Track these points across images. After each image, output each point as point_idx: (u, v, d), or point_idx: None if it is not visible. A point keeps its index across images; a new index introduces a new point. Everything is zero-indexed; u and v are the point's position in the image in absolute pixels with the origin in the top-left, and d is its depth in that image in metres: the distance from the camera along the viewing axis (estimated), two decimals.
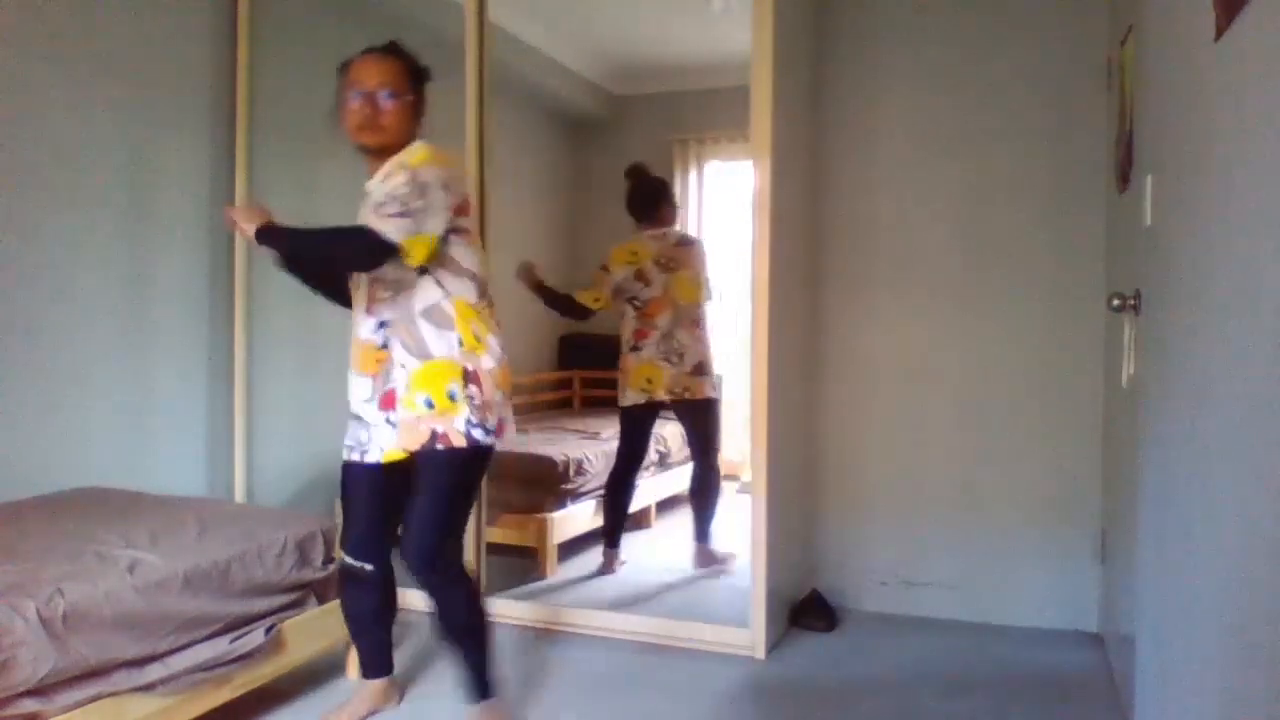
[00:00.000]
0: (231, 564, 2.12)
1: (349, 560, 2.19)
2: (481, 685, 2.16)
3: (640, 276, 3.61)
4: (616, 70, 5.48)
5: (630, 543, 4.01)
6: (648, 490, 4.25)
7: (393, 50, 2.09)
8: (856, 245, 3.21)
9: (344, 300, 2.23)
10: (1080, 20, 2.93)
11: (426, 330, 2.04)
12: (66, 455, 2.81)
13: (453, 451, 2.01)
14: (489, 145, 3.04)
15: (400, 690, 2.41)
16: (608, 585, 3.50)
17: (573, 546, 3.78)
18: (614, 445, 4.05)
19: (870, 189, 3.20)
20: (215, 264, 3.30)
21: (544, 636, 2.90)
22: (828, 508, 3.24)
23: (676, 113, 5.50)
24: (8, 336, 2.66)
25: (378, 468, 2.12)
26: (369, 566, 2.18)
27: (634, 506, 4.20)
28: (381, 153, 2.09)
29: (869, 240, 3.19)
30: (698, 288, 3.63)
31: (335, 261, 2.15)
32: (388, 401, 2.07)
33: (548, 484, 3.64)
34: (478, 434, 2.02)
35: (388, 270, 2.03)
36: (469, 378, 2.02)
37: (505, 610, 3.03)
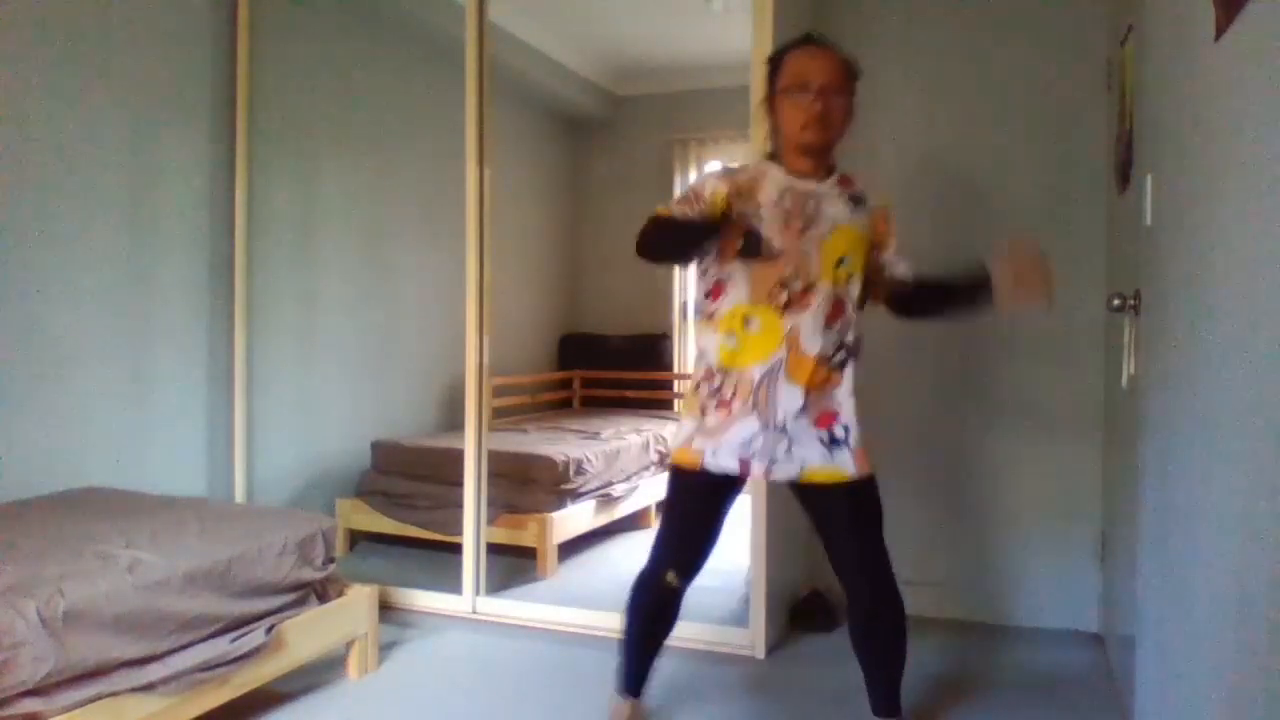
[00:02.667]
0: (231, 564, 2.12)
1: (674, 578, 2.04)
2: (896, 697, 2.10)
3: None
4: (616, 70, 5.48)
5: (631, 543, 4.02)
6: (649, 490, 4.25)
7: (832, 45, 1.98)
8: None
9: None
10: (1080, 20, 2.93)
11: (857, 364, 2.03)
12: (66, 455, 2.81)
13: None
14: (489, 145, 3.04)
15: (646, 717, 2.31)
16: (607, 585, 3.50)
17: (573, 546, 3.78)
18: (614, 445, 4.05)
19: (869, 188, 3.18)
20: (215, 263, 3.30)
21: (544, 636, 2.90)
22: None
23: (676, 113, 5.50)
24: (8, 336, 2.66)
25: (725, 483, 1.99)
26: (685, 586, 2.06)
27: (634, 506, 4.21)
28: (821, 153, 1.96)
29: None
30: None
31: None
32: (828, 420, 1.95)
33: (548, 484, 3.64)
34: None
35: (858, 298, 1.99)
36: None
37: (505, 610, 3.03)
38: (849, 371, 1.99)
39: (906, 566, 3.13)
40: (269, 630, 2.19)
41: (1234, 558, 1.20)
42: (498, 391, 4.52)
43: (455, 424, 3.38)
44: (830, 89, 1.90)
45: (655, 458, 4.31)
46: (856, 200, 1.99)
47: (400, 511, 3.71)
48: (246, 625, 2.15)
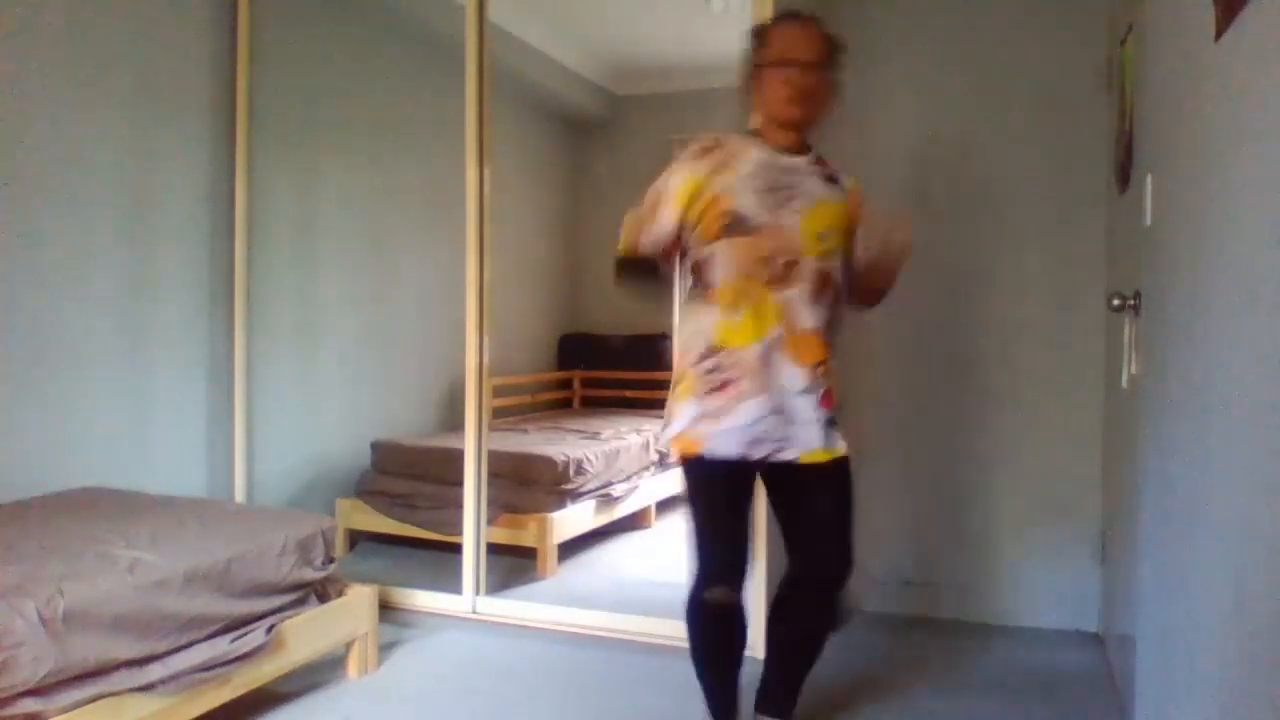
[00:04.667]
0: (231, 564, 2.12)
1: (719, 594, 1.86)
2: (795, 696, 2.06)
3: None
4: (616, 70, 5.48)
5: (631, 543, 4.02)
6: (648, 490, 4.25)
7: (816, 22, 1.93)
8: None
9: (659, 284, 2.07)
10: (1080, 20, 2.93)
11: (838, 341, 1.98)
12: (66, 455, 2.81)
13: None
14: (489, 145, 3.04)
15: None
16: (607, 585, 3.51)
17: (573, 546, 3.78)
18: (614, 445, 4.05)
19: (869, 188, 3.18)
20: (215, 264, 3.30)
21: (544, 636, 2.90)
22: None
23: (676, 113, 5.50)
24: (8, 336, 2.66)
25: (743, 469, 1.88)
26: (737, 594, 1.90)
27: (634, 506, 4.21)
28: (803, 128, 1.93)
29: None
30: None
31: None
32: (827, 400, 1.88)
33: (548, 484, 3.64)
34: None
35: (841, 276, 1.93)
36: None
37: (505, 610, 3.03)
38: (835, 350, 1.95)
39: (907, 566, 3.16)
40: (269, 630, 2.19)
41: (1234, 558, 1.20)
42: (498, 391, 4.52)
43: (455, 424, 3.37)
44: (817, 64, 1.87)
45: (655, 458, 4.32)
46: (832, 179, 1.96)
47: (400, 511, 3.71)
48: (246, 625, 2.15)
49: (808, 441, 1.86)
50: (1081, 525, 2.94)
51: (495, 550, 3.26)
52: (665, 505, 4.44)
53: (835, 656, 2.75)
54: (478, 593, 3.05)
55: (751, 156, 1.89)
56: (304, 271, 3.75)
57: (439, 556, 3.42)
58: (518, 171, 5.07)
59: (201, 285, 3.27)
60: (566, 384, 5.68)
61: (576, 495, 3.75)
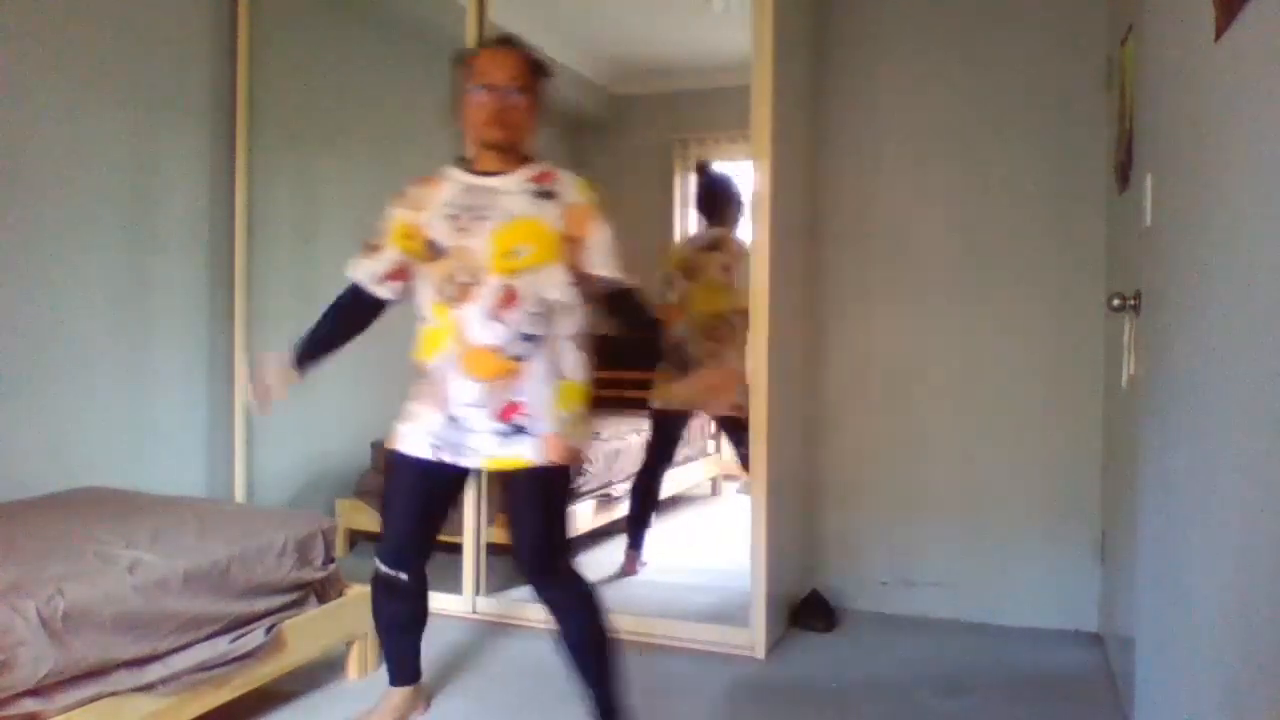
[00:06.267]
0: (231, 564, 2.12)
1: (385, 569, 2.10)
2: (605, 713, 2.07)
3: (669, 282, 3.55)
4: (616, 70, 5.48)
5: (644, 549, 4.00)
6: None
7: (516, 45, 2.02)
8: (856, 245, 3.21)
9: (361, 329, 2.22)
10: (1080, 20, 2.93)
11: (571, 353, 2.02)
12: (66, 455, 2.81)
13: (579, 465, 2.04)
14: None
15: (427, 698, 2.37)
16: (607, 585, 3.50)
17: (572, 546, 3.78)
18: (614, 445, 4.06)
19: (870, 188, 3.20)
20: (215, 264, 3.30)
21: (544, 636, 2.89)
22: (828, 508, 3.24)
23: (676, 113, 5.49)
24: (8, 336, 2.66)
25: (438, 468, 2.02)
26: (404, 576, 2.10)
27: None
28: (505, 150, 2.00)
29: (868, 240, 3.19)
30: (717, 296, 3.46)
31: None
32: (507, 412, 1.95)
33: None
34: (588, 450, 2.04)
35: (553, 290, 1.97)
36: (588, 400, 2.05)
37: (505, 610, 3.03)
38: (539, 362, 1.96)
39: (907, 566, 3.16)
40: (269, 630, 2.19)
41: (1234, 557, 1.20)
42: None
43: None
44: (513, 88, 1.96)
45: None
46: (547, 194, 1.99)
47: None
48: (246, 625, 2.15)
49: (486, 450, 1.97)
50: (1081, 525, 2.94)
51: (495, 550, 3.26)
52: (665, 505, 4.43)
53: (835, 656, 2.76)
54: (478, 593, 3.05)
55: (450, 185, 2.02)
56: (304, 271, 3.75)
57: (439, 557, 3.38)
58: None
59: (201, 285, 3.27)
60: None
61: (576, 495, 3.75)
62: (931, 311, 3.13)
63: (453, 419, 1.98)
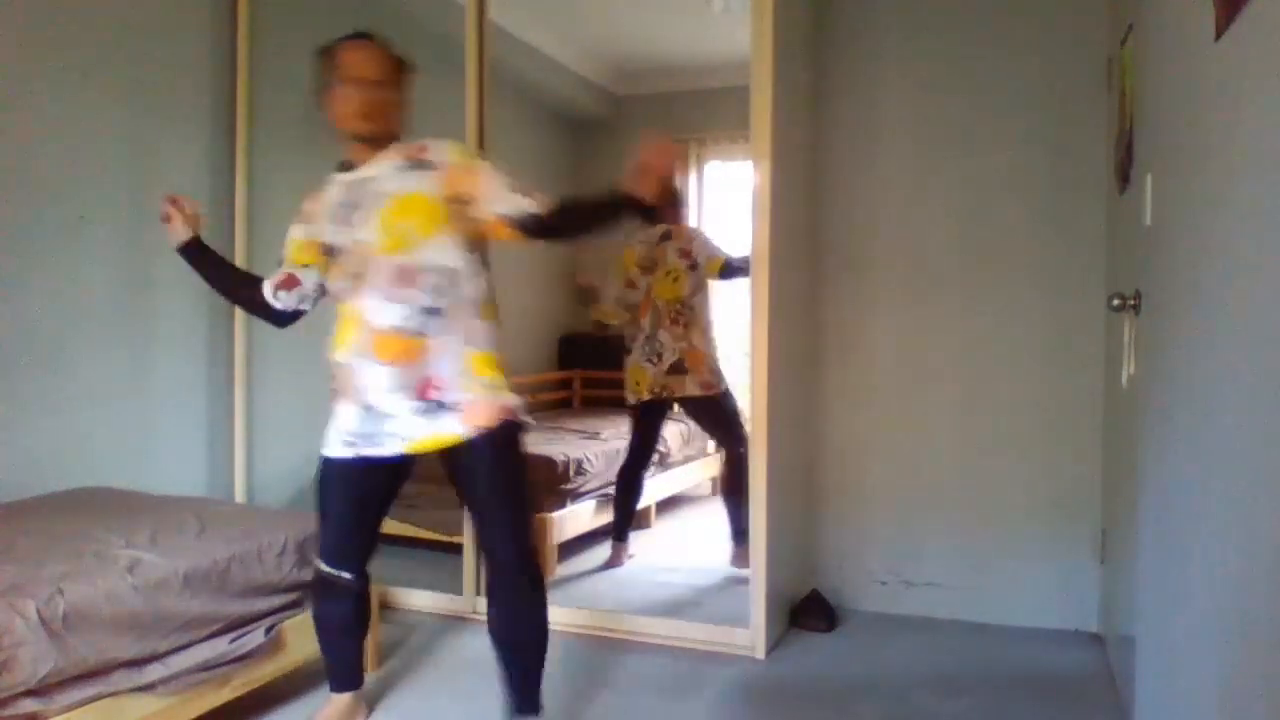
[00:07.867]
0: (231, 564, 2.12)
1: (325, 569, 2.09)
2: (536, 697, 2.11)
3: (630, 283, 3.66)
4: (616, 70, 5.48)
5: (630, 543, 4.00)
6: (648, 490, 4.24)
7: (377, 40, 2.05)
8: (856, 245, 3.21)
9: (245, 301, 2.24)
10: (1080, 20, 2.93)
11: (478, 319, 1.98)
12: (66, 455, 2.81)
13: (519, 424, 1.98)
14: (489, 145, 3.04)
15: (368, 705, 2.34)
16: (607, 585, 3.50)
17: (573, 546, 3.78)
18: (614, 445, 4.06)
19: (870, 189, 3.20)
20: None
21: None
22: (828, 508, 3.24)
23: (676, 113, 5.49)
24: (8, 337, 2.66)
25: (364, 466, 2.00)
26: (347, 575, 2.09)
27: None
28: (375, 141, 2.01)
29: (869, 240, 3.19)
30: (678, 282, 3.58)
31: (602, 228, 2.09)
32: (424, 390, 1.93)
33: (548, 484, 3.64)
34: (525, 415, 2.01)
35: (447, 258, 1.93)
36: (501, 369, 2.00)
37: None
38: (446, 335, 1.93)
39: (907, 566, 3.16)
40: (269, 630, 2.19)
41: (1234, 557, 1.20)
42: None
43: None
44: (376, 82, 1.99)
45: (655, 458, 4.31)
46: (421, 165, 1.98)
47: (400, 511, 3.70)
48: (246, 625, 2.15)
49: (408, 433, 1.95)
50: (1081, 525, 2.94)
51: None
52: (665, 505, 4.43)
53: (835, 656, 2.76)
54: (478, 593, 3.05)
55: (334, 189, 2.05)
56: None
57: (439, 556, 3.42)
58: (518, 171, 5.07)
59: (201, 285, 3.26)
60: (566, 384, 5.67)
61: (576, 495, 3.75)
62: (932, 311, 3.13)
63: (369, 408, 1.97)
